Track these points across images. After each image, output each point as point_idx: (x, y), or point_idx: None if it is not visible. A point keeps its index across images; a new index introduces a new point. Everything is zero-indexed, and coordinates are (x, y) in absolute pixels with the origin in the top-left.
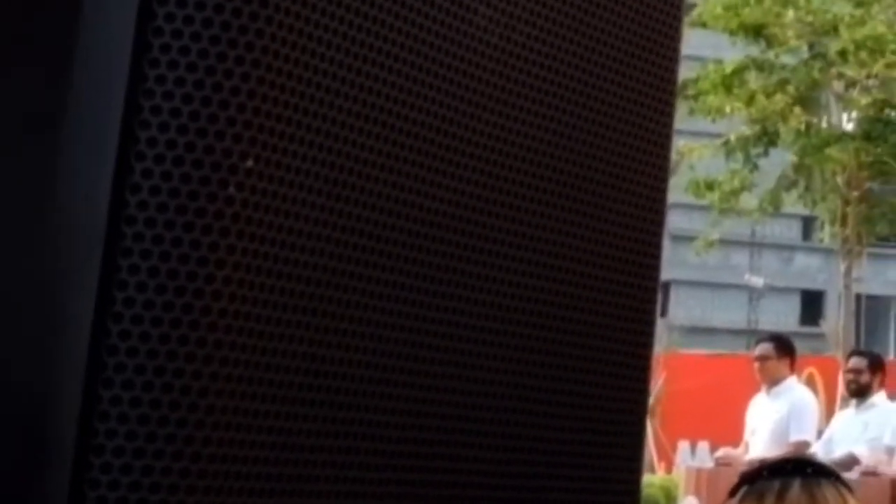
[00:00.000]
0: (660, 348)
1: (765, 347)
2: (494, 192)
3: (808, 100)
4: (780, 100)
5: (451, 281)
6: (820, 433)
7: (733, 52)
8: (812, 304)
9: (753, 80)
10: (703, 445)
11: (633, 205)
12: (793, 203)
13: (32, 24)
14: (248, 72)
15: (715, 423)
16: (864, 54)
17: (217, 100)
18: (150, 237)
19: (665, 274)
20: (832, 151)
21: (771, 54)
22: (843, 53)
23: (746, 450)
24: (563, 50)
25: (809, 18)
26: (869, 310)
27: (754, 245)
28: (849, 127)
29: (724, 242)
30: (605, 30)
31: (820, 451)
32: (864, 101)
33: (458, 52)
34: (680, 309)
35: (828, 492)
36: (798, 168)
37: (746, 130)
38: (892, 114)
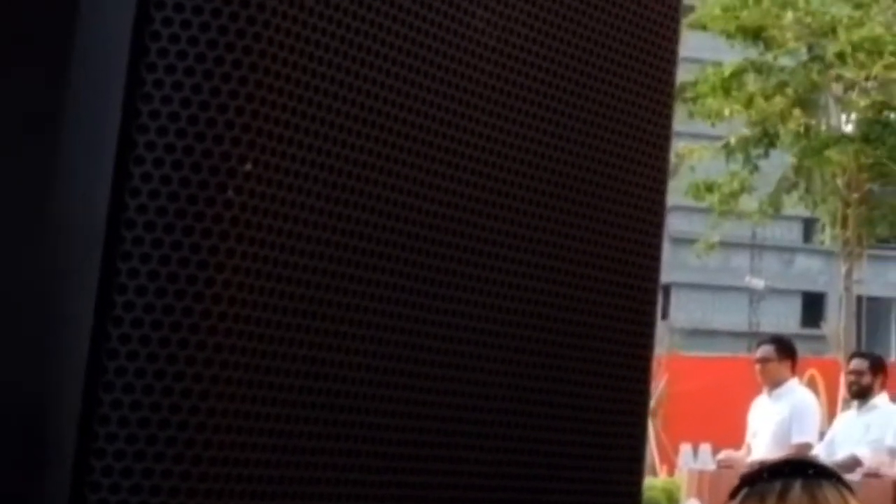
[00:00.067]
0: (661, 350)
1: (766, 349)
2: (493, 195)
3: (807, 102)
4: (779, 102)
5: (450, 283)
6: (822, 435)
7: (732, 55)
8: (813, 306)
9: (752, 82)
10: (705, 448)
11: (633, 206)
12: (793, 205)
13: (31, 25)
14: (245, 75)
15: (717, 425)
16: (862, 56)
17: (215, 104)
18: (149, 241)
19: (666, 276)
20: (831, 153)
21: (769, 56)
22: (841, 55)
23: (748, 452)
24: (560, 52)
25: (808, 20)
26: (870, 311)
27: (755, 247)
28: (848, 129)
29: (725, 245)
30: (602, 31)
31: (822, 452)
32: (863, 102)
33: (455, 55)
34: (681, 311)
35: (829, 493)
36: (798, 170)
37: (746, 132)
38: (891, 116)
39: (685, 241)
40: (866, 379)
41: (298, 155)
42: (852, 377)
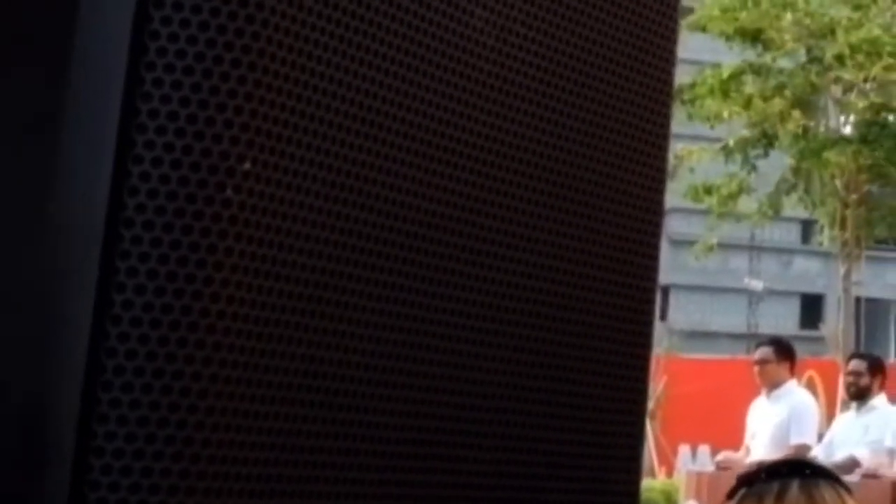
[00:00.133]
0: (660, 352)
1: (764, 351)
2: (491, 194)
3: (806, 103)
4: (777, 104)
5: (448, 282)
6: (820, 436)
7: (731, 57)
8: (811, 308)
9: (751, 84)
10: (704, 449)
11: (631, 205)
12: (792, 206)
13: (31, 24)
14: (244, 75)
15: (715, 426)
16: (861, 58)
17: (214, 103)
18: (147, 240)
19: (664, 278)
20: (830, 155)
21: (768, 58)
22: (840, 57)
23: (747, 453)
24: (559, 52)
25: (807, 22)
26: (868, 313)
27: (753, 249)
28: (847, 130)
29: (724, 246)
30: (601, 32)
31: (821, 454)
32: (862, 104)
33: (453, 55)
34: (679, 313)
35: (826, 493)
36: (796, 172)
37: (746, 133)
38: (889, 118)
39: (684, 243)
40: (865, 380)
41: (297, 154)
42: (851, 378)
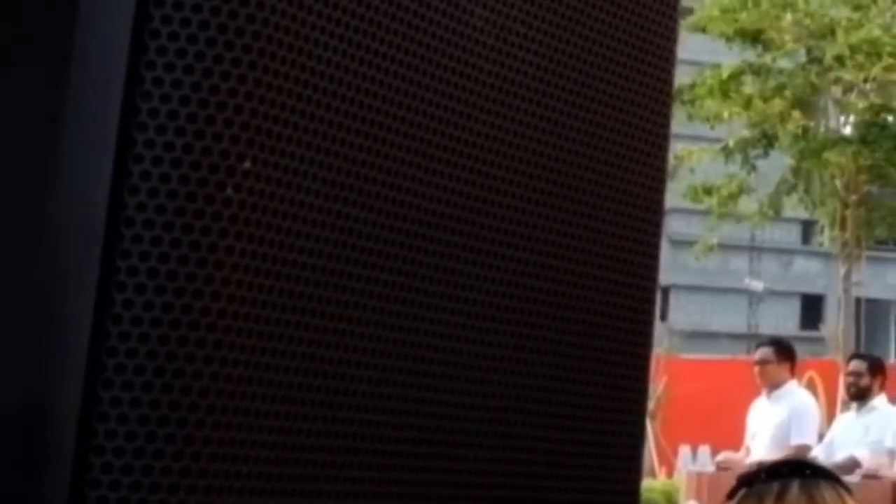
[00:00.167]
0: (660, 352)
1: (765, 351)
2: (492, 193)
3: (806, 104)
4: (777, 104)
5: (449, 281)
6: (821, 437)
7: (731, 57)
8: (812, 308)
9: (750, 84)
10: (704, 450)
11: (631, 205)
12: (792, 207)
13: (31, 24)
14: (244, 74)
15: (716, 427)
16: (861, 58)
17: (214, 102)
18: (148, 239)
19: (665, 278)
20: (830, 155)
21: (768, 58)
22: (840, 58)
23: (747, 454)
24: (559, 52)
25: (807, 22)
26: (868, 313)
27: (754, 249)
28: (847, 131)
29: (724, 247)
30: (601, 32)
31: (821, 454)
32: (862, 105)
33: (454, 54)
34: (680, 313)
35: (826, 493)
36: (796, 172)
37: (746, 133)
38: (889, 118)
39: (684, 244)
40: (865, 380)
41: (298, 153)
42: (851, 379)
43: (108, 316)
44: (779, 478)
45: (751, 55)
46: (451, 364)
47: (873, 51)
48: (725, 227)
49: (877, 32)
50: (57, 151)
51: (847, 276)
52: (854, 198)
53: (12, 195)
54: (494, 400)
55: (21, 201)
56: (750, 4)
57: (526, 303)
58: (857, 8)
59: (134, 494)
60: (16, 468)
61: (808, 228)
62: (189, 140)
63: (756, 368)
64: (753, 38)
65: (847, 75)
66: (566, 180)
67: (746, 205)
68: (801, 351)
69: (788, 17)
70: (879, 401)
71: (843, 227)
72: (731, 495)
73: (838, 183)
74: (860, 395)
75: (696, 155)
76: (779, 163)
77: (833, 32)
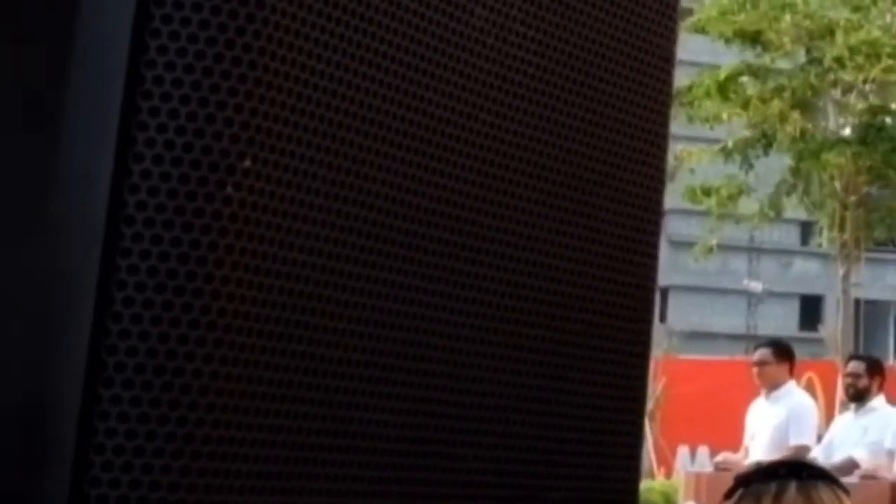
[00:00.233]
0: (659, 353)
1: (764, 352)
2: (491, 193)
3: (805, 105)
4: (776, 105)
5: (449, 280)
6: (819, 438)
7: (731, 58)
8: (811, 309)
9: (750, 85)
10: (703, 450)
11: (630, 205)
12: (792, 208)
13: (31, 25)
14: (244, 73)
15: (714, 428)
16: (860, 59)
17: (214, 101)
18: (148, 237)
19: (664, 279)
20: (829, 156)
21: (767, 59)
22: (839, 59)
23: (746, 455)
24: (558, 52)
25: (806, 23)
26: (867, 314)
27: (753, 250)
28: (846, 132)
29: (723, 248)
30: (600, 31)
31: (820, 455)
32: (861, 106)
33: (454, 54)
34: (679, 314)
35: (824, 494)
36: (795, 173)
37: (745, 134)
38: (887, 120)
39: (683, 245)
40: (864, 381)
41: (298, 152)
42: (850, 380)
43: (109, 314)
44: (776, 478)
45: (750, 56)
46: (451, 363)
47: (872, 52)
48: (725, 228)
49: (876, 34)
50: (57, 151)
51: (846, 277)
52: (853, 199)
53: (12, 195)
54: (494, 399)
55: (21, 201)
56: (749, 5)
57: (525, 302)
58: (856, 9)
59: (134, 493)
60: (16, 467)
61: (807, 229)
62: (189, 139)
63: (755, 369)
64: (752, 39)
65: (846, 76)
66: (566, 180)
67: (746, 206)
68: (799, 352)
69: (787, 18)
70: (878, 402)
71: (842, 228)
72: (728, 495)
73: (837, 184)
74: (859, 396)
75: (695, 156)
76: (778, 164)
77: (832, 33)
